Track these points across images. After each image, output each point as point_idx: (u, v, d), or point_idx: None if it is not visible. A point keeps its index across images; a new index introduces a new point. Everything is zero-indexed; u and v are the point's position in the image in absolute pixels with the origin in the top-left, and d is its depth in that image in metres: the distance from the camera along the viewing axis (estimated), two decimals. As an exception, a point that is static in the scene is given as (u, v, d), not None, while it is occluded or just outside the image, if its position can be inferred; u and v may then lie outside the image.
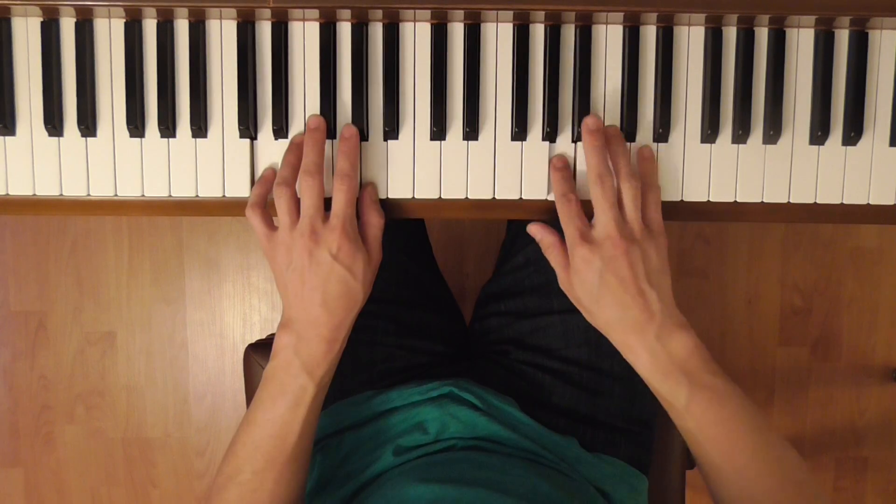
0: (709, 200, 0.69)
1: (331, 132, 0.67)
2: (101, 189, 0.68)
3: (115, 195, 0.68)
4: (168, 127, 0.67)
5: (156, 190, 0.68)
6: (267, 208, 0.66)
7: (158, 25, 0.67)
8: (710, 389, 0.62)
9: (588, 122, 0.65)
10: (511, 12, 0.65)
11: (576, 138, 0.68)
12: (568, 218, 0.64)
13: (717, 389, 0.62)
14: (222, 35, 0.67)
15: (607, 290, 0.62)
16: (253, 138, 0.68)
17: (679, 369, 0.62)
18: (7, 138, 0.68)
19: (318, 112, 0.67)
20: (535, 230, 0.67)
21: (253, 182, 0.68)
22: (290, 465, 0.65)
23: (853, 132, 0.68)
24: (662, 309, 0.62)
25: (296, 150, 0.66)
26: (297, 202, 0.64)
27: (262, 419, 0.64)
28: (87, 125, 0.67)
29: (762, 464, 0.61)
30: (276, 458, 0.64)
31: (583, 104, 0.67)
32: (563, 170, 0.66)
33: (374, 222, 0.66)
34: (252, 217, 0.65)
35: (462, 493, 0.62)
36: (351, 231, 0.63)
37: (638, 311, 0.62)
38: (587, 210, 0.65)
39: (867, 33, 0.68)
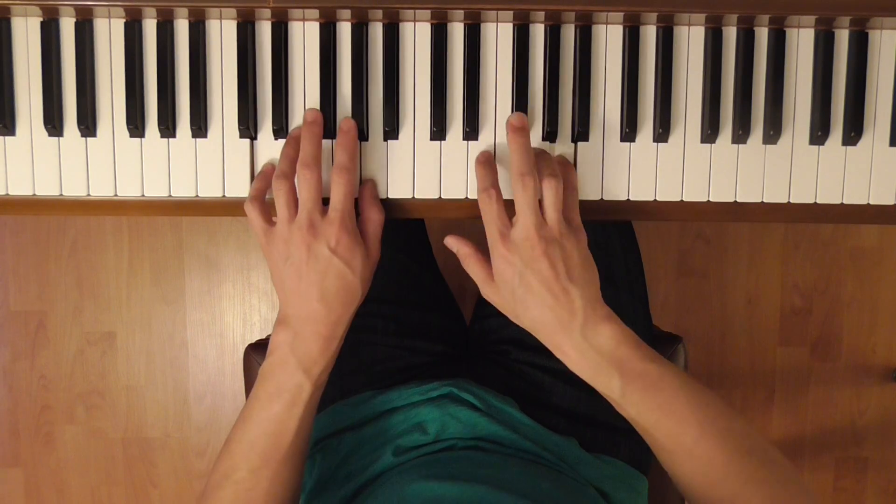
0: (709, 200, 0.69)
1: (330, 132, 0.67)
2: (101, 189, 0.68)
3: (115, 195, 0.68)
4: (168, 127, 0.67)
5: (156, 190, 0.68)
6: (266, 203, 0.66)
7: (158, 25, 0.67)
8: (642, 376, 0.61)
9: (513, 120, 0.64)
10: (511, 12, 0.65)
11: (576, 138, 0.68)
12: (490, 217, 0.62)
13: (650, 375, 0.61)
14: (222, 35, 0.67)
15: (529, 292, 0.61)
16: (253, 138, 0.68)
17: (608, 361, 0.61)
18: (7, 138, 0.68)
19: (318, 112, 0.67)
20: (451, 242, 0.66)
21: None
22: (286, 464, 0.65)
23: (853, 132, 0.68)
24: (585, 305, 0.61)
25: (294, 143, 0.66)
26: (295, 196, 0.63)
27: (258, 417, 0.64)
28: (87, 125, 0.67)
29: (710, 440, 0.60)
30: (272, 457, 0.64)
31: (583, 104, 0.67)
32: (487, 164, 0.65)
33: (374, 218, 0.66)
34: (250, 210, 0.65)
35: (463, 490, 0.62)
36: (350, 225, 0.63)
37: (561, 310, 0.61)
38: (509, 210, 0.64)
39: (867, 33, 0.68)
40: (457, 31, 0.67)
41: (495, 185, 0.63)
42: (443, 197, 0.68)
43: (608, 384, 0.62)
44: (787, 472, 0.61)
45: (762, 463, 0.61)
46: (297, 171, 0.63)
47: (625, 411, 0.63)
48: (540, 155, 0.65)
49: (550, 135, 0.68)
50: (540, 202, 0.62)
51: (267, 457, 0.64)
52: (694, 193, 0.69)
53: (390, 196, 0.68)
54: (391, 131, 0.67)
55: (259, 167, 0.68)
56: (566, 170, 0.66)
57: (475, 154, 0.68)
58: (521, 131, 0.63)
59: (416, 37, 0.67)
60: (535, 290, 0.61)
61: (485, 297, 0.66)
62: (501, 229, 0.62)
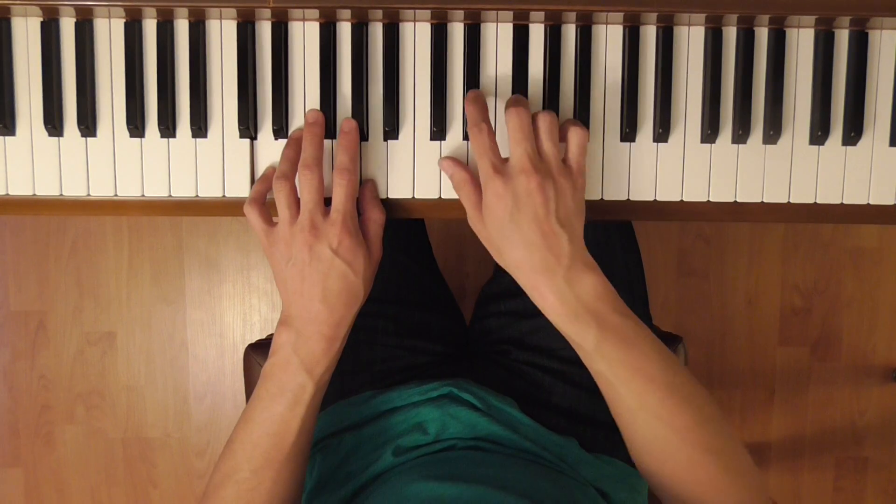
0: (709, 200, 0.69)
1: (331, 132, 0.67)
2: (101, 189, 0.68)
3: (115, 195, 0.68)
4: (168, 127, 0.67)
5: (156, 190, 0.68)
6: (266, 205, 0.66)
7: (158, 25, 0.67)
8: (619, 330, 0.60)
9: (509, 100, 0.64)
10: (511, 12, 0.65)
11: (576, 138, 0.68)
12: (482, 150, 0.61)
13: (626, 329, 0.61)
14: (222, 35, 0.67)
15: (517, 228, 0.60)
16: (253, 138, 0.68)
17: (587, 311, 0.60)
18: (7, 138, 0.68)
19: (318, 112, 0.67)
20: (446, 165, 0.65)
21: (253, 182, 0.68)
22: (288, 464, 0.65)
23: (853, 132, 0.68)
24: (572, 251, 0.60)
25: (295, 145, 0.66)
26: (296, 197, 0.64)
27: (261, 417, 0.64)
28: (87, 125, 0.67)
29: (675, 402, 0.60)
30: (275, 457, 0.64)
31: (583, 104, 0.67)
32: (477, 100, 0.64)
33: (376, 218, 0.66)
34: (250, 213, 0.65)
35: (462, 490, 0.62)
36: (352, 226, 0.63)
37: (547, 252, 0.60)
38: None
39: (867, 33, 0.68)
40: (457, 31, 0.67)
41: (487, 120, 0.62)
42: (443, 197, 0.68)
43: (584, 333, 0.60)
44: (738, 446, 0.62)
45: (720, 433, 0.62)
46: (298, 172, 0.63)
47: (595, 364, 0.62)
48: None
49: (550, 135, 0.68)
50: (536, 133, 0.61)
51: (269, 457, 0.64)
52: (694, 193, 0.69)
53: (390, 196, 0.68)
54: (391, 131, 0.67)
55: (259, 167, 0.68)
56: (570, 120, 0.66)
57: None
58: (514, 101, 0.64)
59: (416, 37, 0.67)
60: (524, 227, 0.60)
61: (471, 225, 0.64)
62: (494, 161, 0.61)
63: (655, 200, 0.69)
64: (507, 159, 0.61)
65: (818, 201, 0.69)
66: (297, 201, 0.63)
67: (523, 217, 0.60)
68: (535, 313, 0.82)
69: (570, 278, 0.60)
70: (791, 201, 0.69)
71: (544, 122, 0.61)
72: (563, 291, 0.60)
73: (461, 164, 0.65)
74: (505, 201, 0.60)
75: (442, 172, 0.68)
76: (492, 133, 0.62)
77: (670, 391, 0.61)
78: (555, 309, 0.61)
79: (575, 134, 0.63)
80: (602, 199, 0.69)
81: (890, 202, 0.69)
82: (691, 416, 0.61)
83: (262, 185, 0.67)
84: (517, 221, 0.60)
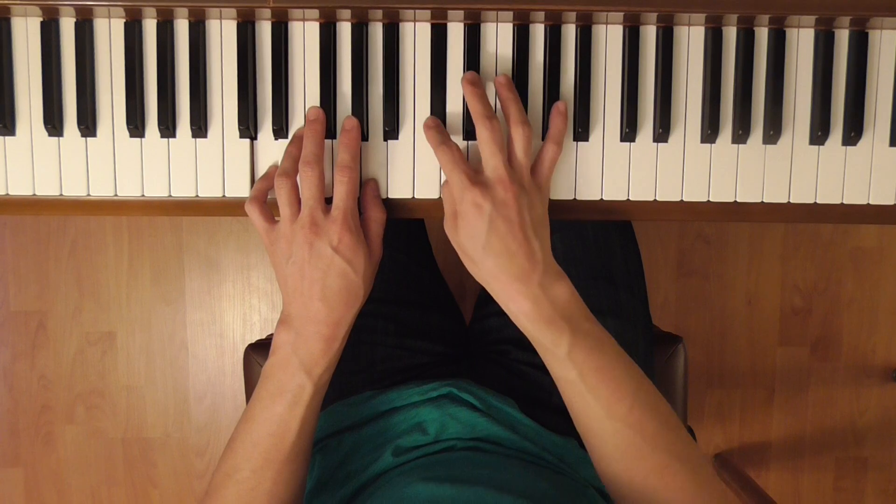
0: (709, 200, 0.69)
1: (331, 132, 0.67)
2: (101, 189, 0.68)
3: (115, 195, 0.68)
4: (168, 127, 0.67)
5: (156, 190, 0.68)
6: (267, 204, 0.66)
7: (158, 25, 0.67)
8: (590, 336, 0.62)
9: (468, 75, 0.65)
10: (511, 12, 0.65)
11: (576, 138, 0.68)
12: (452, 164, 0.62)
13: (596, 335, 0.62)
14: (222, 35, 0.67)
15: (496, 236, 0.61)
16: (253, 138, 0.68)
17: (561, 316, 0.61)
18: (7, 138, 0.68)
19: (318, 112, 0.67)
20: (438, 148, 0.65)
21: (253, 182, 0.68)
22: (288, 464, 0.65)
23: (853, 132, 0.68)
24: (545, 259, 0.62)
25: (298, 142, 0.66)
26: (297, 194, 0.64)
27: (261, 417, 0.64)
28: (87, 125, 0.67)
29: (642, 409, 0.61)
30: (275, 457, 0.64)
31: (583, 104, 0.67)
32: (435, 127, 0.65)
33: (376, 217, 0.66)
34: (251, 211, 0.65)
35: (461, 491, 0.62)
36: (353, 224, 0.63)
37: (523, 259, 0.61)
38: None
39: (867, 33, 0.68)
40: (457, 31, 0.67)
41: (449, 139, 0.64)
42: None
43: (557, 339, 0.61)
44: (700, 454, 0.63)
45: (684, 441, 0.63)
46: (299, 170, 0.63)
47: (565, 370, 0.62)
48: (513, 101, 0.65)
49: (550, 135, 0.68)
50: (509, 146, 0.62)
51: (269, 457, 0.64)
52: (694, 193, 0.69)
53: (391, 196, 0.68)
54: (391, 131, 0.67)
55: (259, 167, 0.68)
56: (559, 122, 0.66)
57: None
58: (475, 83, 0.64)
59: (416, 37, 0.67)
60: (501, 234, 0.61)
61: (447, 232, 0.65)
62: (468, 172, 0.62)
63: (655, 200, 0.69)
64: (476, 171, 0.62)
65: (818, 201, 0.69)
66: (299, 199, 0.63)
67: (502, 225, 0.61)
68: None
69: (545, 284, 0.61)
70: (791, 201, 0.69)
71: (521, 137, 0.63)
72: (538, 297, 0.61)
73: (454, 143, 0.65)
74: (484, 210, 0.61)
75: (443, 172, 0.68)
76: (458, 148, 0.63)
77: (638, 397, 0.62)
78: (529, 314, 0.62)
79: (549, 150, 0.64)
80: (602, 199, 0.69)
81: (890, 202, 0.69)
82: (659, 423, 0.62)
83: (264, 183, 0.67)
84: (496, 229, 0.61)
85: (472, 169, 0.62)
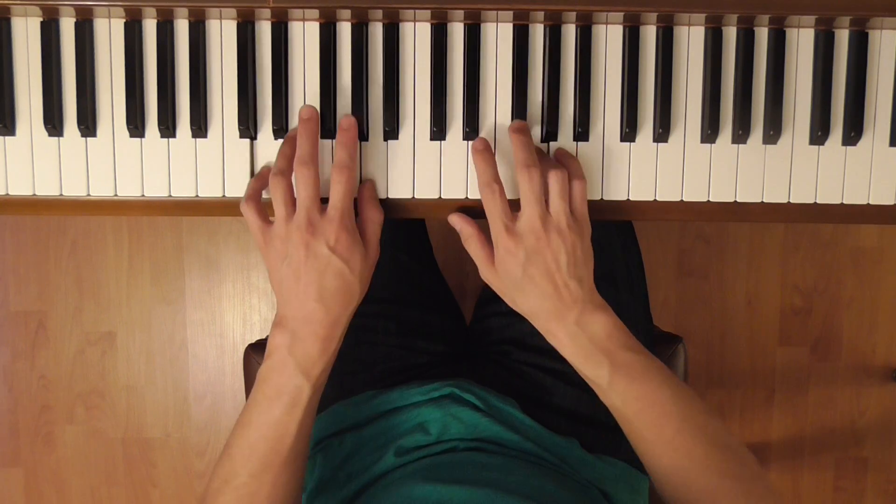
0: (709, 200, 0.69)
1: (331, 132, 0.67)
2: (101, 189, 0.68)
3: (115, 195, 0.68)
4: (168, 127, 0.67)
5: (156, 190, 0.68)
6: (262, 203, 0.66)
7: (158, 25, 0.67)
8: (630, 366, 0.63)
9: (514, 124, 0.66)
10: (511, 12, 0.65)
11: (576, 138, 0.68)
12: (494, 212, 0.63)
13: (637, 365, 0.64)
14: (222, 35, 0.67)
15: (530, 282, 0.63)
16: (253, 138, 0.68)
17: (599, 350, 0.63)
18: (7, 138, 0.67)
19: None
20: (455, 220, 0.67)
21: (253, 182, 0.68)
22: (286, 468, 0.64)
23: (853, 132, 0.68)
24: (583, 296, 0.64)
25: (292, 142, 0.65)
26: (292, 194, 0.63)
27: (258, 421, 0.64)
28: (87, 125, 0.67)
29: (690, 432, 0.63)
30: (273, 461, 0.63)
31: (583, 104, 0.67)
32: (486, 152, 0.66)
33: (374, 218, 0.66)
34: (246, 210, 0.65)
35: (468, 493, 0.62)
36: (349, 224, 0.63)
37: (559, 301, 0.63)
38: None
39: (867, 33, 0.68)
40: (457, 31, 0.67)
41: (497, 179, 0.64)
42: (443, 197, 0.68)
43: (597, 371, 0.64)
44: (757, 470, 0.63)
45: (736, 459, 0.63)
46: (294, 169, 0.63)
47: (609, 399, 0.65)
48: (542, 155, 0.66)
49: (550, 135, 0.68)
50: (546, 194, 0.63)
51: (267, 461, 0.63)
52: (694, 193, 0.69)
53: (390, 196, 0.68)
54: (391, 131, 0.67)
55: (259, 167, 0.68)
56: (569, 161, 0.67)
57: (475, 154, 0.68)
58: (522, 130, 0.65)
59: (416, 37, 0.67)
60: (536, 281, 0.63)
61: (483, 278, 0.67)
62: (506, 223, 0.63)
63: (655, 200, 0.69)
64: (516, 214, 0.63)
65: (818, 201, 0.69)
66: (294, 198, 0.63)
67: (535, 271, 0.63)
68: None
69: (581, 321, 0.63)
70: (791, 201, 0.69)
71: (556, 182, 0.63)
72: (575, 334, 0.64)
73: (469, 219, 0.67)
74: (517, 258, 0.63)
75: (443, 172, 0.68)
76: (504, 194, 0.64)
77: (685, 421, 0.63)
78: (569, 350, 0.64)
79: (577, 186, 0.65)
80: (602, 199, 0.69)
81: (890, 202, 0.69)
82: (708, 445, 0.62)
83: (259, 183, 0.66)
84: (531, 276, 0.63)
85: (510, 216, 0.63)
